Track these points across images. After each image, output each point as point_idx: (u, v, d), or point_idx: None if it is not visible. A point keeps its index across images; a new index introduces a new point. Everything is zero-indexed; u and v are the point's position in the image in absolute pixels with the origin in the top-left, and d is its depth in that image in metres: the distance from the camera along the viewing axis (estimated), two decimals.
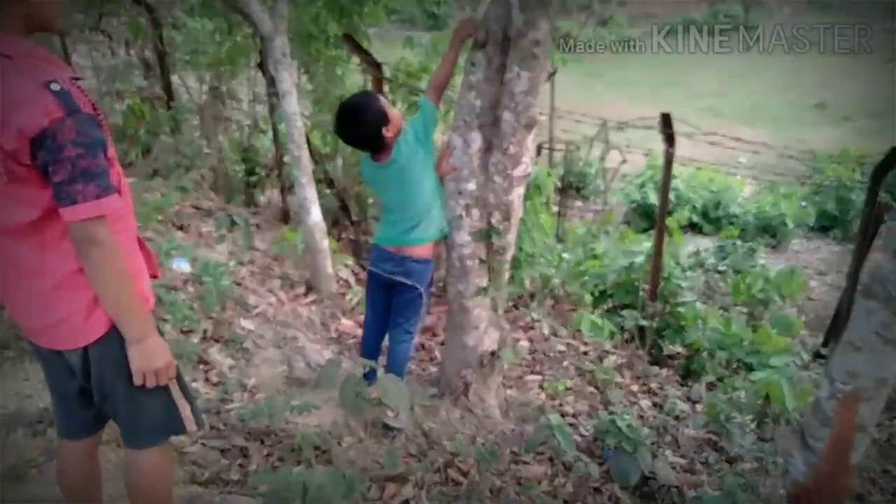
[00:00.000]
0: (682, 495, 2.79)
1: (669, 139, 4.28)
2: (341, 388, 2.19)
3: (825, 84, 19.85)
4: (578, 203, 9.54)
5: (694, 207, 9.65)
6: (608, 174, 7.77)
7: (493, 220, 2.83)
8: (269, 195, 5.92)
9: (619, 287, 4.87)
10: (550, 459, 2.83)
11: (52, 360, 1.57)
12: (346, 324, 4.00)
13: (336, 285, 4.26)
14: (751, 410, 3.35)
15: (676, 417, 3.53)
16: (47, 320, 1.46)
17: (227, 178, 5.75)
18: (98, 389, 1.53)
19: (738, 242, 6.51)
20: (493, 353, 3.07)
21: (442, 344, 3.75)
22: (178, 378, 1.61)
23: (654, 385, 4.02)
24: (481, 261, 2.90)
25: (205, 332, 3.24)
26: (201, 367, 3.01)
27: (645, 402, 3.79)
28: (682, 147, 4.30)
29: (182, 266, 3.64)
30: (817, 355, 4.39)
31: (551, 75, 6.44)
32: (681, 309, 4.52)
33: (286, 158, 4.72)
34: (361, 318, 3.53)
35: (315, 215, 3.99)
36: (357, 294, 4.25)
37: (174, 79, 5.98)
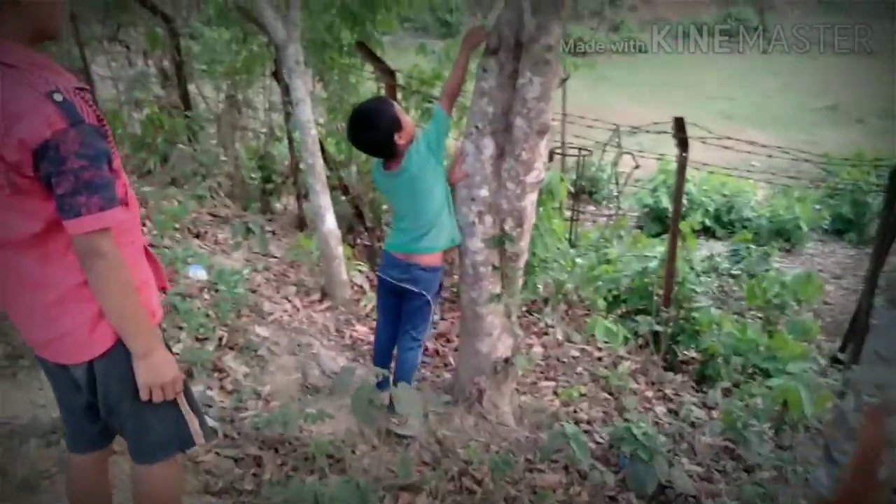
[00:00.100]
0: None
1: (683, 143, 4.25)
2: (353, 397, 2.18)
3: (838, 86, 19.66)
4: (591, 207, 9.51)
5: (706, 211, 9.58)
6: (621, 179, 7.74)
7: (506, 227, 2.82)
8: (285, 202, 5.96)
9: (633, 292, 4.84)
10: (565, 468, 2.82)
11: (57, 374, 1.55)
12: (361, 330, 4.01)
13: (351, 291, 4.27)
14: (768, 417, 3.31)
15: (692, 424, 3.49)
16: (51, 333, 1.43)
17: (244, 185, 5.79)
18: (104, 404, 1.51)
19: (752, 246, 6.46)
20: (506, 360, 3.06)
21: (456, 350, 3.75)
22: (186, 391, 1.58)
23: (668, 391, 3.98)
24: (494, 267, 2.89)
25: (220, 339, 3.26)
26: (216, 374, 3.02)
27: (660, 409, 3.76)
28: (694, 151, 4.28)
29: (198, 273, 3.66)
30: (834, 360, 4.34)
31: (563, 81, 6.44)
32: (695, 314, 4.49)
33: (301, 166, 4.75)
34: (374, 324, 3.53)
35: (329, 222, 4.00)
36: (371, 300, 4.25)
37: (191, 88, 6.04)
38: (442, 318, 4.29)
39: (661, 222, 9.02)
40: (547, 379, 3.88)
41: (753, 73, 21.33)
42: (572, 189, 6.60)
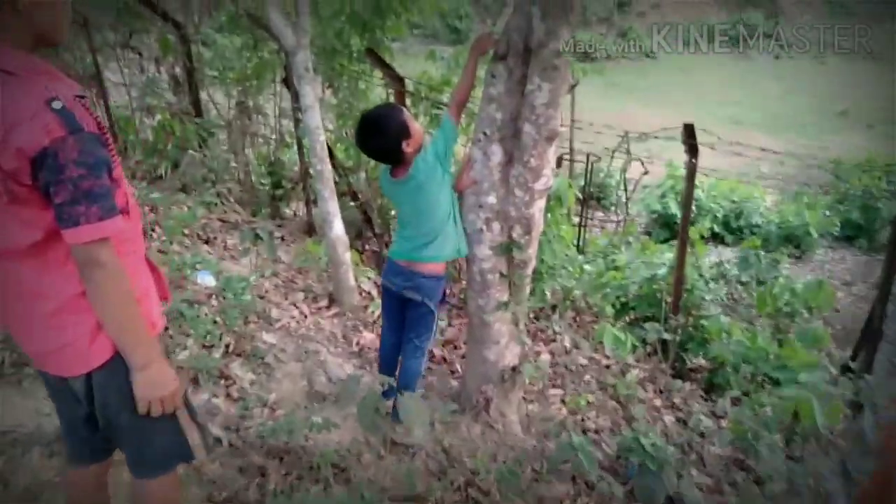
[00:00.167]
0: None
1: (692, 150, 4.22)
2: (359, 406, 2.17)
3: (848, 91, 19.54)
4: (599, 214, 9.48)
5: (715, 217, 9.55)
6: (630, 185, 7.71)
7: (514, 234, 2.81)
8: (294, 208, 5.97)
9: (641, 299, 4.81)
10: (573, 478, 2.79)
11: (56, 386, 1.52)
12: (368, 336, 4.00)
13: (358, 298, 4.27)
14: (778, 427, 3.26)
15: (701, 434, 3.45)
16: (50, 345, 1.41)
17: (254, 191, 5.81)
18: (102, 416, 1.48)
19: (761, 253, 6.41)
20: (513, 369, 3.03)
21: (463, 357, 3.73)
22: (186, 403, 1.56)
23: (677, 400, 3.95)
24: (502, 275, 2.87)
25: (227, 346, 3.25)
26: (222, 382, 3.01)
27: (668, 418, 3.73)
28: (703, 157, 4.25)
29: (206, 280, 3.66)
30: (846, 369, 4.28)
31: (572, 87, 6.42)
32: (704, 321, 4.45)
33: (311, 171, 4.76)
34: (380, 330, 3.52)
35: (337, 229, 4.00)
36: (379, 307, 4.24)
37: (202, 94, 6.08)
38: (449, 325, 4.27)
39: (669, 228, 8.99)
40: (554, 387, 3.85)
41: (762, 77, 21.27)
42: (580, 195, 6.58)
